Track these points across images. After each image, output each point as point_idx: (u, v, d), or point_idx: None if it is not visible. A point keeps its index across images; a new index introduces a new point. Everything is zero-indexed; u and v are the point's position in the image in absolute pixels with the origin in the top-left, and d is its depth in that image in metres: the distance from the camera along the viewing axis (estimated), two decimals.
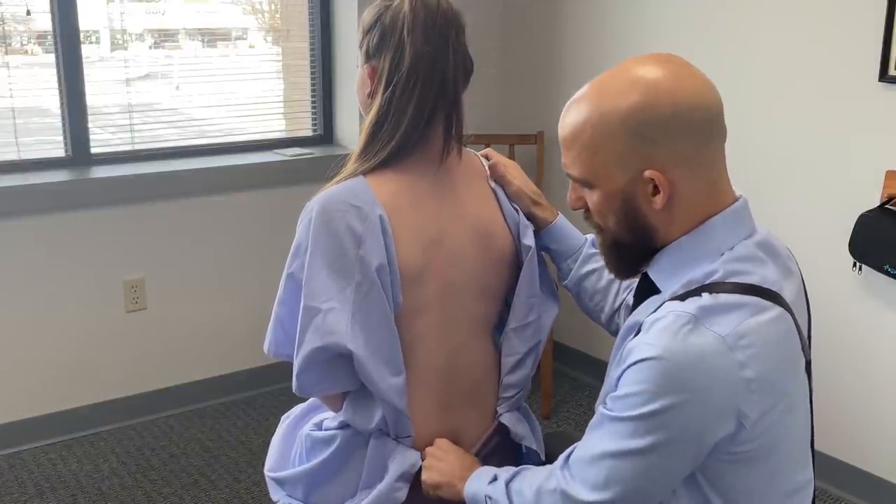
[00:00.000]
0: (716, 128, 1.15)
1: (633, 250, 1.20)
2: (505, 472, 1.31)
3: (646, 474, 1.10)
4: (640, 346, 1.08)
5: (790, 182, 2.68)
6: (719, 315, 1.07)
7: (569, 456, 1.19)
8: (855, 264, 2.51)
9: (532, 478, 1.25)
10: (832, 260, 2.56)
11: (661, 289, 1.19)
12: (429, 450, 1.43)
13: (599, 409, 1.15)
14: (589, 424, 1.17)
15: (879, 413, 2.59)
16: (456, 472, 1.37)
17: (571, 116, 1.18)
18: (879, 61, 2.41)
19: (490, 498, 1.28)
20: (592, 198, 1.19)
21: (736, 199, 1.18)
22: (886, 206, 2.42)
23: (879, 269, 2.43)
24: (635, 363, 1.08)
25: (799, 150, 2.65)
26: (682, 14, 2.91)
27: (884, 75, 2.41)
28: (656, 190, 1.13)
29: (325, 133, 3.52)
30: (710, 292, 1.10)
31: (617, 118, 1.12)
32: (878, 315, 2.55)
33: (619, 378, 1.11)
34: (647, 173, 1.12)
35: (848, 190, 2.54)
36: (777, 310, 1.11)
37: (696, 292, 1.11)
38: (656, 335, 1.07)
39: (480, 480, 1.32)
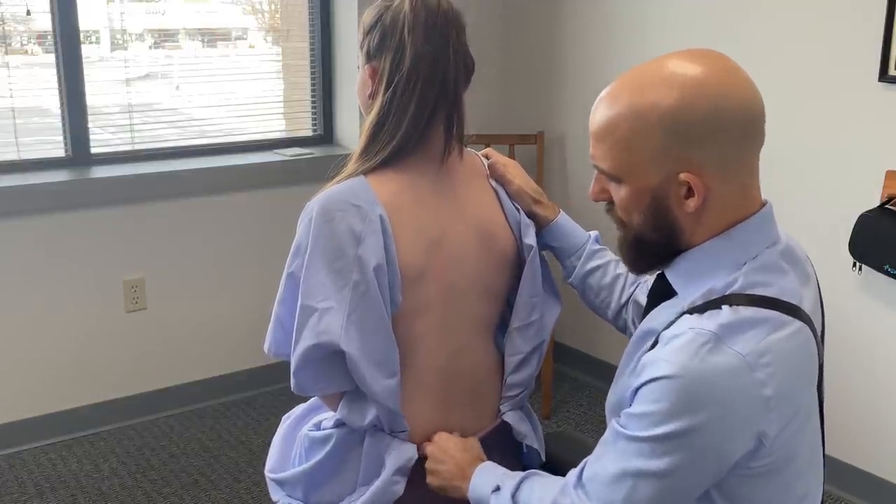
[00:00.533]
0: (756, 129, 1.10)
1: (655, 249, 1.16)
2: (509, 479, 1.27)
3: (663, 495, 1.07)
4: (657, 363, 1.05)
5: (790, 182, 2.67)
6: (740, 333, 1.04)
7: (581, 472, 1.16)
8: (855, 264, 2.51)
9: (542, 492, 1.21)
10: (832, 260, 2.56)
11: (677, 291, 1.16)
12: (429, 450, 1.42)
13: (613, 424, 1.12)
14: (602, 439, 1.15)
15: (880, 413, 2.59)
16: (457, 472, 1.36)
17: (606, 109, 1.12)
18: (879, 61, 2.41)
19: None
20: (619, 193, 1.14)
21: (763, 205, 1.15)
22: (886, 206, 2.42)
23: (879, 269, 2.43)
24: (651, 381, 1.05)
25: (799, 150, 2.65)
26: (682, 14, 2.91)
27: (884, 75, 2.41)
28: (690, 193, 1.08)
29: (325, 133, 3.51)
30: (730, 305, 1.07)
31: (655, 116, 1.07)
32: (878, 315, 2.55)
33: (634, 392, 1.08)
34: (683, 176, 1.07)
35: (848, 190, 2.54)
36: (796, 324, 1.08)
37: (716, 304, 1.08)
38: (674, 352, 1.04)
39: (483, 487, 1.29)
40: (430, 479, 1.40)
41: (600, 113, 1.13)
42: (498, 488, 1.27)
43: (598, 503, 1.11)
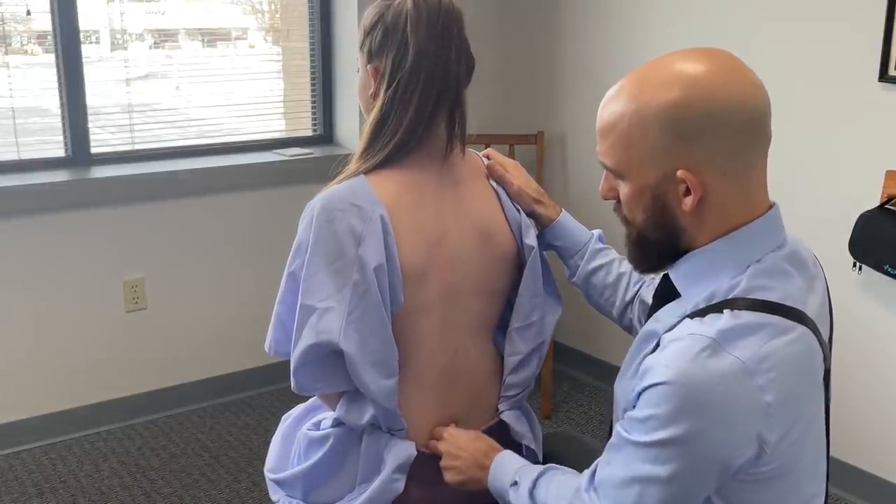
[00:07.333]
0: (757, 131, 1.09)
1: (658, 247, 1.16)
2: (527, 473, 1.28)
3: (671, 499, 1.07)
4: (657, 368, 1.05)
5: (790, 182, 2.67)
6: (740, 338, 1.04)
7: (593, 475, 1.16)
8: (855, 264, 2.51)
9: (558, 491, 1.22)
10: (832, 260, 2.56)
11: (681, 293, 1.16)
12: (442, 447, 1.42)
13: (618, 429, 1.12)
14: (609, 442, 1.15)
15: (881, 413, 2.59)
16: (474, 463, 1.37)
17: (610, 106, 1.13)
18: (879, 61, 2.41)
19: None
20: (623, 190, 1.15)
21: (770, 207, 1.15)
22: (886, 206, 2.42)
23: (879, 269, 2.43)
24: (651, 386, 1.05)
25: (799, 150, 2.65)
26: (682, 14, 2.91)
27: (884, 75, 2.41)
28: (688, 191, 1.08)
29: (325, 133, 3.52)
30: (732, 309, 1.06)
31: (654, 112, 1.07)
32: (878, 315, 2.55)
33: (637, 396, 1.08)
34: (680, 173, 1.08)
35: (848, 190, 2.54)
36: (799, 329, 1.08)
37: (718, 308, 1.07)
38: (673, 357, 1.04)
39: (502, 480, 1.31)
40: (448, 477, 1.40)
41: (605, 110, 1.14)
42: (516, 483, 1.28)
43: None
